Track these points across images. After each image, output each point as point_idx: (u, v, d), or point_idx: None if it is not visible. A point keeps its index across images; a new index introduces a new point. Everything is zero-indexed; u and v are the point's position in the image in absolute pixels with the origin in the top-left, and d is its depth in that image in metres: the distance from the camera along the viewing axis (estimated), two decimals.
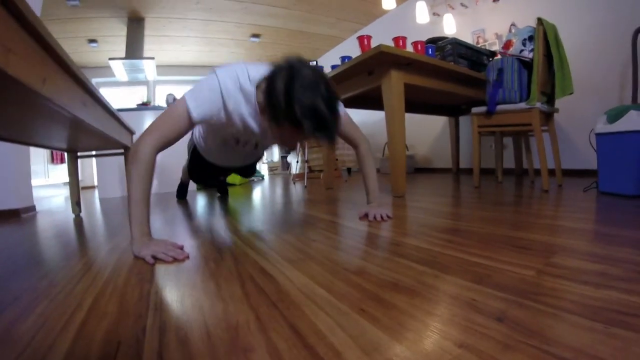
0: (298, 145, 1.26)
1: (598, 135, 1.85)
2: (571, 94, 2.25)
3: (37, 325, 0.61)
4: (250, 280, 0.79)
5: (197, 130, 1.82)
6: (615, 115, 1.76)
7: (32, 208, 2.46)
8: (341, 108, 1.41)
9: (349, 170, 4.90)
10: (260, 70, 1.16)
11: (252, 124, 1.26)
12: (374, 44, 2.06)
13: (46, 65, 0.75)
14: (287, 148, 1.25)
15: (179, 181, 2.89)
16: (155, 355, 0.49)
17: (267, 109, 1.04)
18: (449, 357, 0.45)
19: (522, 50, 2.23)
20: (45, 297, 0.75)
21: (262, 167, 7.60)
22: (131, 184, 1.08)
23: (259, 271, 0.85)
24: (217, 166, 2.02)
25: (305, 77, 0.98)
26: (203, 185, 3.87)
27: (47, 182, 5.46)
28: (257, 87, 1.17)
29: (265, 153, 2.15)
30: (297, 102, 0.96)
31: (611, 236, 0.96)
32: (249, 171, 2.38)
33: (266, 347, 0.50)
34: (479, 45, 3.22)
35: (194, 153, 1.98)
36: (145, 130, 1.14)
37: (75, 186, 2.28)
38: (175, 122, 1.15)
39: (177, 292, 0.75)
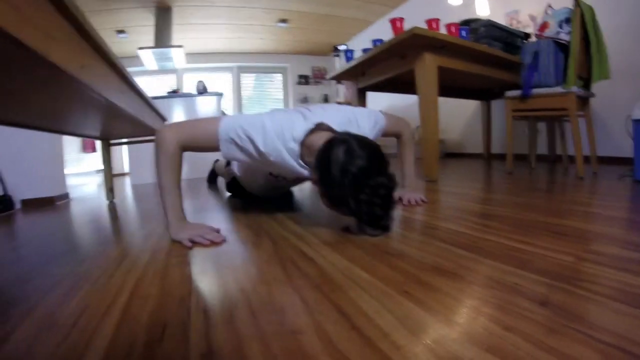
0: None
1: (635, 121, 1.79)
2: (608, 78, 2.18)
3: (80, 309, 0.62)
4: (292, 263, 0.80)
5: (235, 164, 1.75)
6: None
7: (65, 195, 2.52)
8: (381, 117, 1.39)
9: None
10: (306, 124, 1.13)
11: (297, 172, 1.20)
12: (406, 26, 2.03)
13: (84, 52, 0.76)
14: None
15: (208, 167, 2.92)
16: (202, 337, 0.51)
17: (322, 190, 1.03)
18: (495, 339, 0.45)
19: (558, 33, 2.16)
20: (86, 281, 0.77)
21: None
22: (160, 172, 1.08)
23: (299, 254, 0.87)
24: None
25: (360, 167, 0.93)
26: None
27: (79, 170, 5.64)
28: (302, 144, 1.13)
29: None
30: (353, 201, 0.93)
31: None
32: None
33: (314, 329, 0.51)
34: (512, 27, 3.13)
35: (234, 181, 1.87)
36: (176, 124, 1.15)
37: (109, 173, 2.36)
38: (204, 136, 1.13)
39: (219, 275, 0.76)
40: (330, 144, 1.00)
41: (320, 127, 1.14)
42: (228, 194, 2.07)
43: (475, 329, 0.48)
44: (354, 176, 0.92)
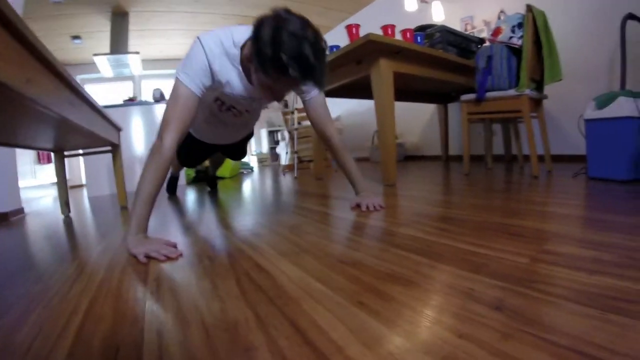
0: (285, 95, 1.26)
1: (587, 121, 1.86)
2: (560, 80, 2.26)
3: (34, 332, 0.60)
4: (246, 277, 0.78)
5: None
6: (604, 101, 1.77)
7: (20, 210, 2.42)
8: (317, 91, 1.43)
9: None
10: (245, 33, 1.16)
11: (238, 85, 1.27)
12: (362, 32, 2.04)
13: (29, 65, 0.73)
14: (275, 99, 1.25)
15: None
16: (155, 358, 0.49)
17: (254, 57, 1.03)
18: (449, 347, 0.45)
19: (511, 37, 2.23)
20: (40, 302, 0.74)
21: (251, 159, 7.55)
22: (146, 178, 1.09)
23: (254, 267, 0.85)
24: (206, 145, 1.99)
25: (293, 23, 0.99)
26: (196, 177, 3.83)
27: (35, 183, 5.39)
28: (242, 48, 1.18)
29: (253, 131, 2.11)
30: (284, 47, 0.96)
31: (602, 222, 0.97)
32: (238, 151, 2.33)
33: (267, 344, 0.49)
34: (467, 33, 3.22)
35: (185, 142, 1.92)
36: (164, 123, 1.15)
37: (63, 186, 2.25)
38: (184, 103, 1.16)
39: (172, 293, 0.74)
40: (262, 17, 1.04)
41: None
42: (189, 204, 2.03)
43: (430, 338, 0.48)
44: (283, 31, 0.97)
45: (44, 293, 0.79)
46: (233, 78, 1.24)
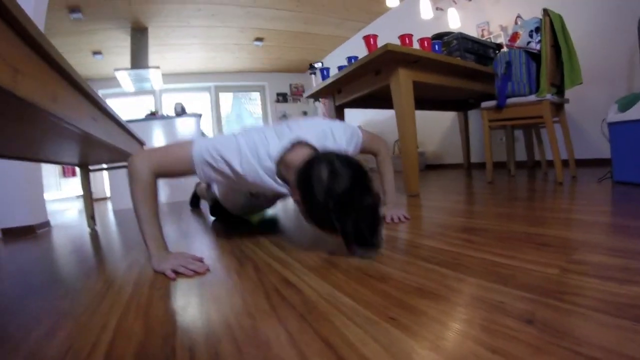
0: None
1: (610, 124, 1.83)
2: (580, 83, 2.23)
3: (64, 349, 0.60)
4: (275, 292, 0.79)
5: (215, 187, 1.76)
6: (626, 103, 1.74)
7: (46, 223, 2.47)
8: (358, 133, 1.38)
9: None
10: (281, 142, 1.12)
11: (273, 188, 1.18)
12: (379, 42, 2.06)
13: (55, 83, 0.75)
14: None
15: (190, 190, 2.88)
16: None
17: (306, 212, 1.00)
18: None
19: (529, 42, 2.21)
20: (69, 318, 0.75)
21: None
22: (136, 203, 1.07)
23: (283, 282, 0.85)
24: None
25: (344, 188, 0.91)
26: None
27: (60, 196, 5.53)
28: (278, 164, 1.12)
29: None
30: (339, 222, 0.91)
31: (630, 228, 0.95)
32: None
33: None
34: (484, 39, 3.21)
35: (216, 204, 1.86)
36: (147, 152, 1.13)
37: (88, 200, 2.30)
38: (178, 162, 1.12)
39: (203, 308, 0.75)
40: (311, 163, 0.98)
41: (297, 143, 1.13)
42: (212, 217, 2.04)
43: (461, 353, 0.48)
44: (338, 198, 0.90)
45: (72, 308, 0.81)
46: (268, 184, 1.16)
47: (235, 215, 1.82)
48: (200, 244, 1.44)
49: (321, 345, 0.54)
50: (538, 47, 2.16)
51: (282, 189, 1.16)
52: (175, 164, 1.12)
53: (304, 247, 1.19)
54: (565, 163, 2.27)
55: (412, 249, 1.03)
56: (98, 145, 1.40)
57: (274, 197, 1.56)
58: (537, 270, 0.73)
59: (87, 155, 1.75)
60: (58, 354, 0.59)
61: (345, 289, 0.76)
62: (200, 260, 1.07)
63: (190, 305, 0.77)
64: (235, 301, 0.77)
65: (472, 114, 3.83)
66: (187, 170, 1.12)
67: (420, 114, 2.30)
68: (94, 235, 1.94)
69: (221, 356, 0.54)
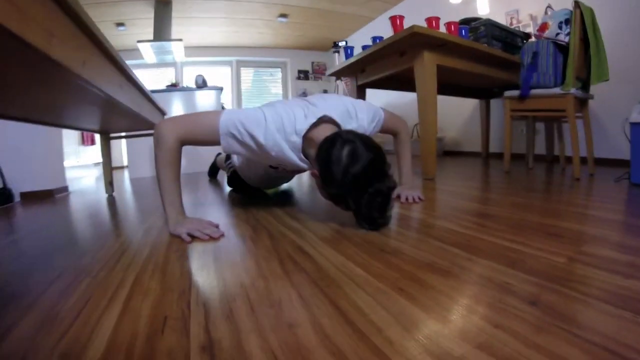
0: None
1: (633, 124, 1.80)
2: (606, 80, 2.18)
3: (82, 302, 0.63)
4: (289, 259, 0.82)
5: (235, 157, 1.79)
6: None
7: (65, 189, 2.52)
8: (381, 113, 1.41)
9: None
10: (308, 119, 1.14)
11: (296, 163, 1.20)
12: (406, 24, 2.04)
13: (86, 48, 0.77)
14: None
15: (209, 161, 2.93)
16: (202, 329, 0.52)
17: (323, 185, 1.06)
18: (485, 336, 0.47)
19: (558, 34, 2.16)
20: (87, 275, 0.78)
21: None
22: (159, 167, 1.10)
23: (297, 250, 0.88)
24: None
25: (362, 170, 0.95)
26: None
27: (78, 163, 5.62)
28: (304, 138, 1.14)
29: None
30: (353, 199, 0.99)
31: None
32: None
33: (310, 322, 0.53)
34: (512, 27, 3.14)
35: (234, 175, 1.88)
36: (175, 118, 1.16)
37: (108, 167, 2.36)
38: (203, 131, 1.13)
39: (218, 269, 0.78)
40: (333, 142, 1.01)
41: (322, 119, 1.16)
42: (229, 188, 2.08)
43: (466, 326, 0.50)
44: (355, 179, 0.95)
45: (91, 266, 0.84)
46: (291, 159, 1.18)
47: (252, 187, 1.85)
48: (216, 212, 1.47)
49: (331, 309, 0.56)
50: (567, 39, 2.11)
51: (303, 164, 1.19)
52: (201, 132, 1.14)
53: (319, 219, 1.22)
54: (583, 160, 2.24)
55: (425, 228, 1.05)
56: (121, 113, 1.42)
57: (292, 172, 1.59)
58: (545, 258, 0.75)
59: (110, 122, 1.78)
60: (77, 304, 0.62)
61: (357, 260, 0.79)
62: (216, 226, 1.11)
63: (205, 267, 0.80)
64: (250, 265, 0.80)
65: (495, 103, 3.77)
66: (212, 140, 1.15)
67: (442, 99, 2.28)
68: (112, 201, 1.99)
69: (234, 313, 0.57)
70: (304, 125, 1.13)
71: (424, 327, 0.50)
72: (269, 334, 0.50)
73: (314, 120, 1.13)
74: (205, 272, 0.77)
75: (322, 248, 0.89)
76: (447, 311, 0.54)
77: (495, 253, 0.79)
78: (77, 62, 0.70)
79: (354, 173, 0.95)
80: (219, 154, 2.68)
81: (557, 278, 0.64)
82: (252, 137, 1.12)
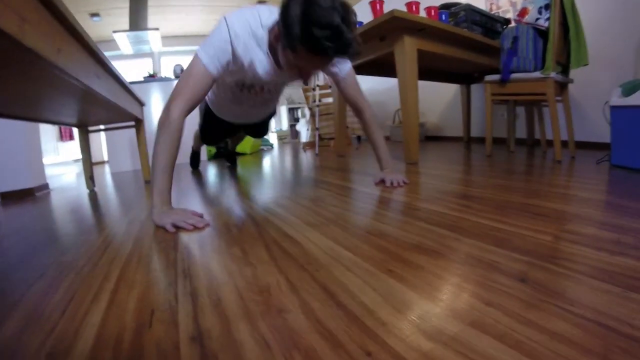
0: (313, 75, 1.25)
1: (613, 108, 1.83)
2: (586, 65, 2.21)
3: (67, 298, 0.62)
4: (275, 244, 0.81)
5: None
6: (630, 88, 1.73)
7: (45, 186, 2.44)
8: (349, 65, 1.43)
9: (358, 138, 4.87)
10: (273, 15, 1.16)
11: (263, 66, 1.25)
12: (386, 9, 2.02)
13: (60, 35, 0.74)
14: (303, 80, 1.26)
15: (189, 152, 2.90)
16: (190, 319, 0.51)
17: (283, 36, 1.03)
18: (477, 313, 0.47)
19: (537, 19, 2.18)
20: (71, 270, 0.76)
21: (271, 137, 7.56)
22: (158, 152, 1.09)
23: (282, 235, 0.87)
24: (228, 123, 2.01)
25: (320, 1, 0.96)
26: (217, 153, 3.87)
27: (57, 160, 5.50)
28: (270, 31, 1.17)
29: (276, 109, 2.10)
30: (316, 22, 0.95)
31: (625, 207, 0.96)
32: (261, 130, 2.36)
33: (300, 307, 0.52)
34: (492, 12, 3.15)
35: (207, 112, 1.96)
36: (172, 95, 1.15)
37: (87, 161, 2.30)
38: (197, 80, 1.16)
39: (204, 258, 0.76)
40: None
41: None
42: (210, 171, 2.07)
43: (457, 304, 0.50)
44: (316, 5, 0.95)
45: (74, 262, 0.82)
46: (258, 59, 1.23)
47: (226, 130, 1.94)
48: (199, 201, 1.45)
49: (321, 292, 0.56)
50: (546, 24, 2.13)
51: (267, 62, 1.23)
52: (196, 83, 1.16)
53: (303, 205, 1.21)
54: (564, 144, 2.27)
55: (411, 210, 1.05)
56: (99, 104, 1.38)
57: (261, 103, 1.67)
58: (531, 236, 0.75)
59: (87, 115, 1.73)
60: (62, 301, 0.61)
61: (345, 244, 0.78)
62: (200, 215, 1.09)
63: (191, 256, 0.79)
64: (235, 252, 0.78)
65: (475, 89, 3.80)
66: (208, 82, 1.19)
67: (422, 85, 2.28)
68: (93, 196, 1.95)
69: (223, 301, 0.56)
70: (269, 19, 1.16)
71: (415, 307, 0.50)
72: (259, 321, 0.49)
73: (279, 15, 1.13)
74: (191, 262, 0.75)
75: (308, 232, 0.88)
76: (437, 291, 0.54)
77: (481, 233, 0.80)
78: (52, 50, 0.67)
79: (315, 3, 0.95)
80: (195, 139, 2.69)
81: (544, 256, 0.64)
82: (226, 49, 1.17)
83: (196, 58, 1.17)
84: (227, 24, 1.15)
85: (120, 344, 0.47)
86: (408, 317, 0.47)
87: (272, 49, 1.20)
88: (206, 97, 1.87)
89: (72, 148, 5.85)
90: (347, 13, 1.00)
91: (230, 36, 1.15)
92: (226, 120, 1.97)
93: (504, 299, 0.50)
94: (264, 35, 1.18)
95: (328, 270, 0.64)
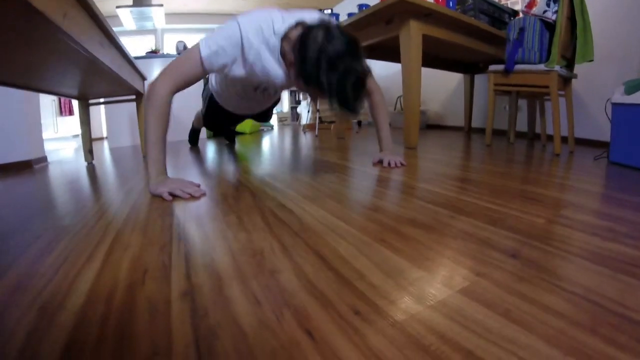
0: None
1: (614, 105, 1.83)
2: (591, 60, 2.20)
3: (62, 258, 0.62)
4: (271, 213, 0.81)
5: (213, 79, 1.80)
6: (633, 87, 1.72)
7: (43, 159, 2.43)
8: None
9: (359, 122, 4.87)
10: (286, 22, 1.14)
11: (274, 72, 1.23)
12: None
13: (66, 0, 0.74)
14: (311, 97, 1.28)
15: (188, 128, 2.91)
16: (183, 277, 0.52)
17: (297, 66, 1.04)
18: (467, 283, 0.47)
19: (545, 11, 2.16)
20: (67, 234, 0.76)
21: (272, 117, 7.51)
22: (148, 126, 1.09)
23: (278, 205, 0.88)
24: (233, 114, 2.00)
25: (338, 49, 0.99)
26: (215, 133, 3.86)
27: (56, 135, 5.46)
28: (282, 39, 1.15)
29: (280, 96, 2.10)
30: (327, 77, 0.97)
31: (619, 199, 0.96)
32: (265, 116, 2.36)
33: (292, 269, 0.53)
34: (501, 3, 3.12)
35: (211, 101, 1.94)
36: (161, 73, 1.14)
37: (87, 134, 2.29)
38: (189, 68, 1.14)
39: (199, 224, 0.77)
40: (310, 28, 1.04)
41: (299, 23, 1.15)
42: (205, 128, 2.12)
43: (449, 274, 0.50)
44: (330, 55, 0.98)
45: (70, 227, 0.82)
46: (270, 66, 1.20)
47: (229, 119, 1.91)
48: (197, 175, 1.45)
49: (314, 257, 0.56)
50: (554, 17, 2.11)
51: (279, 70, 1.21)
52: (187, 69, 1.14)
53: (301, 180, 1.21)
54: (564, 139, 2.27)
55: (408, 189, 1.05)
56: (101, 74, 1.37)
57: (269, 97, 1.65)
58: (525, 218, 0.76)
59: (89, 86, 1.72)
60: (56, 261, 0.61)
61: (340, 215, 0.79)
62: (198, 185, 1.10)
63: (186, 222, 0.79)
64: (231, 219, 0.79)
65: (479, 79, 3.77)
66: (200, 73, 1.16)
67: (426, 72, 2.27)
68: (92, 169, 1.95)
69: (216, 262, 0.56)
70: (282, 27, 1.15)
71: (407, 273, 0.50)
72: (250, 280, 0.50)
73: (293, 23, 1.14)
74: (187, 227, 0.76)
75: (304, 204, 0.89)
76: (429, 260, 0.55)
77: (476, 212, 0.80)
78: (59, 14, 0.67)
79: (329, 50, 0.98)
80: (197, 116, 2.67)
81: (537, 236, 0.65)
82: (233, 49, 1.15)
83: (197, 47, 1.14)
84: (240, 29, 1.13)
85: (112, 299, 0.47)
86: (399, 282, 0.48)
87: (284, 56, 1.18)
88: (210, 88, 1.87)
89: (72, 123, 5.80)
90: (358, 69, 1.03)
91: (242, 42, 1.13)
92: (230, 111, 1.95)
93: (494, 272, 0.51)
94: (276, 44, 1.15)
95: (321, 238, 0.65)
